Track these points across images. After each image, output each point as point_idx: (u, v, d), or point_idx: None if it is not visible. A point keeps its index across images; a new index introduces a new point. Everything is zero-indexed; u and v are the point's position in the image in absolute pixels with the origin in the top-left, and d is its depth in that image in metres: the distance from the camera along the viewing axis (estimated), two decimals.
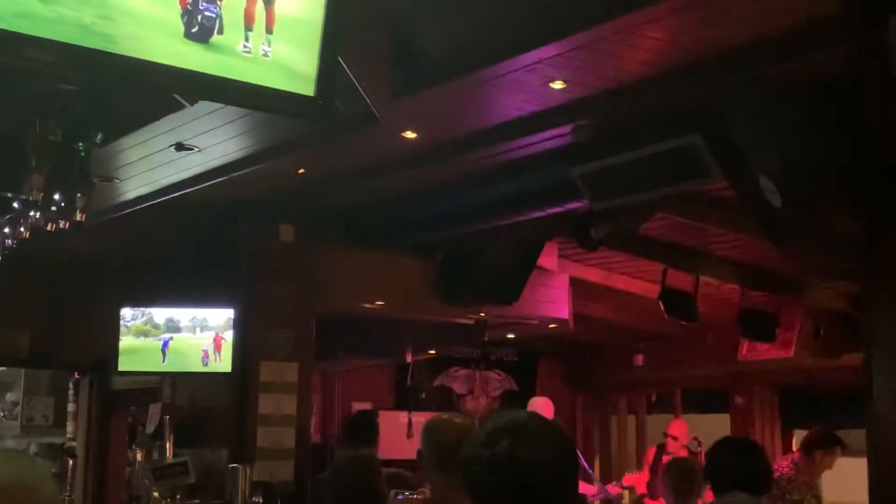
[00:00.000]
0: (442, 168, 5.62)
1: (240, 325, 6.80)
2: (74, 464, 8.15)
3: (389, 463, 6.93)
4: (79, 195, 4.49)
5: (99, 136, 4.39)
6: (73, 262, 7.69)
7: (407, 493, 4.46)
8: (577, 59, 4.09)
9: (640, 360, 10.73)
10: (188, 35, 3.23)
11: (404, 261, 7.47)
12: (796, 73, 4.04)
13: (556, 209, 5.67)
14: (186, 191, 5.93)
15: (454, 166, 5.59)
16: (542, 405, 8.49)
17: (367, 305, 7.59)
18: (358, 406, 10.75)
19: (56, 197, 4.46)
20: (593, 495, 8.83)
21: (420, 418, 9.25)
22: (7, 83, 3.96)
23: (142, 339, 6.94)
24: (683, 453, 8.54)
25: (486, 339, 9.15)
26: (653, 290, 7.77)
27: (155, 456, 7.02)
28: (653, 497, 8.83)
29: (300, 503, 6.61)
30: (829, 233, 4.45)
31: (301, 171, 5.79)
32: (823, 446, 7.19)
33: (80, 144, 4.34)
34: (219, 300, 6.85)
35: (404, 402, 10.76)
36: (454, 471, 2.24)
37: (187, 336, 6.91)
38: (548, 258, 7.86)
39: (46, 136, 4.24)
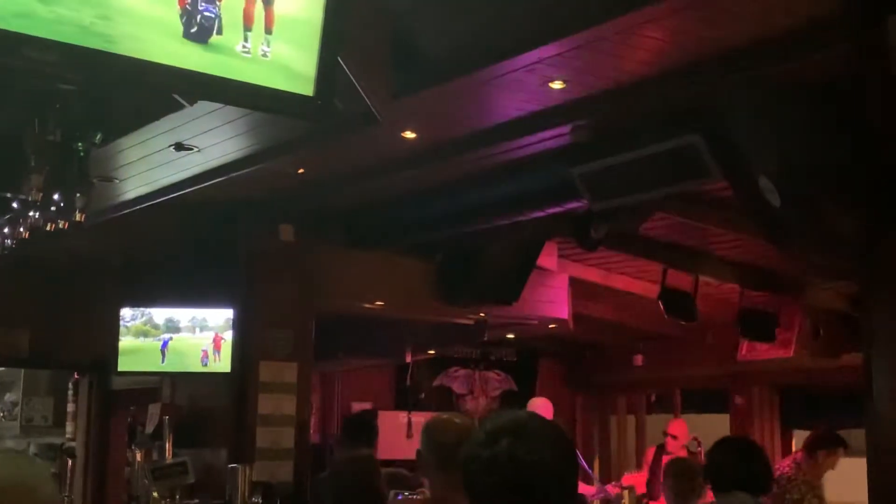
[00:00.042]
0: (442, 168, 5.62)
1: (239, 326, 6.80)
2: (74, 464, 8.15)
3: (389, 463, 6.92)
4: (78, 195, 4.49)
5: (98, 136, 4.39)
6: (73, 262, 7.68)
7: (406, 493, 4.45)
8: (577, 59, 4.08)
9: (639, 360, 10.73)
10: (187, 35, 3.24)
11: (404, 261, 7.46)
12: (796, 73, 4.04)
13: (556, 209, 5.67)
14: (186, 191, 5.93)
15: (454, 166, 5.59)
16: (541, 405, 8.50)
17: (367, 305, 7.59)
18: (357, 406, 10.74)
19: (55, 197, 4.47)
20: (592, 495, 8.83)
21: (419, 418, 9.26)
22: (6, 83, 3.96)
23: (141, 339, 6.94)
24: (683, 453, 8.55)
25: (485, 339, 9.15)
26: (652, 290, 7.77)
27: (154, 456, 7.02)
28: (652, 497, 8.83)
29: (300, 503, 6.60)
30: (829, 233, 4.45)
31: (301, 171, 5.79)
32: (826, 447, 7.19)
33: (80, 144, 4.34)
34: (218, 300, 6.85)
35: (404, 402, 10.76)
36: (454, 471, 2.24)
37: (187, 336, 6.91)
38: (547, 258, 7.86)
39: (46, 136, 4.25)
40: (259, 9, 3.37)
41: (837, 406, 8.32)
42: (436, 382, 11.26)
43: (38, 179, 4.40)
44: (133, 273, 7.62)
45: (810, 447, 7.23)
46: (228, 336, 6.81)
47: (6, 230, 4.96)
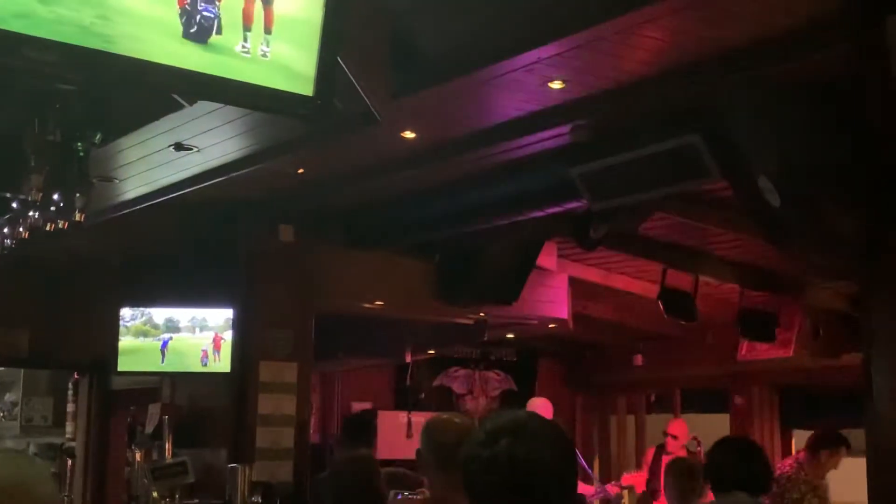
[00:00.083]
0: (441, 168, 5.62)
1: (239, 325, 6.80)
2: (73, 464, 8.15)
3: (389, 463, 6.93)
4: (78, 195, 4.49)
5: (98, 136, 4.39)
6: (73, 262, 7.69)
7: (406, 493, 4.45)
8: (577, 59, 4.08)
9: (639, 359, 10.73)
10: (187, 35, 3.24)
11: (404, 261, 7.46)
12: (796, 73, 4.04)
13: (556, 209, 5.67)
14: (185, 191, 5.92)
15: (453, 166, 5.59)
16: (541, 405, 8.50)
17: (367, 305, 7.59)
18: (357, 406, 10.75)
19: (55, 197, 4.47)
20: (592, 495, 8.83)
21: (419, 418, 9.25)
22: (6, 83, 3.96)
23: (141, 339, 6.94)
24: (683, 453, 8.55)
25: (485, 339, 9.15)
26: (652, 290, 7.77)
27: (154, 456, 7.02)
28: (652, 497, 8.84)
29: (299, 503, 6.60)
30: (829, 233, 4.45)
31: (300, 171, 5.79)
32: (829, 446, 7.18)
33: (79, 144, 4.34)
34: (218, 300, 6.85)
35: (404, 402, 10.75)
36: (454, 471, 2.24)
37: (186, 336, 6.90)
38: (547, 258, 7.86)
39: (45, 136, 4.25)
40: (258, 9, 3.37)
41: (837, 406, 8.32)
42: (436, 382, 11.26)
43: (37, 179, 4.41)
44: (133, 273, 7.61)
45: (813, 447, 7.22)
46: (228, 336, 6.81)
47: (6, 230, 4.96)
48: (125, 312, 6.95)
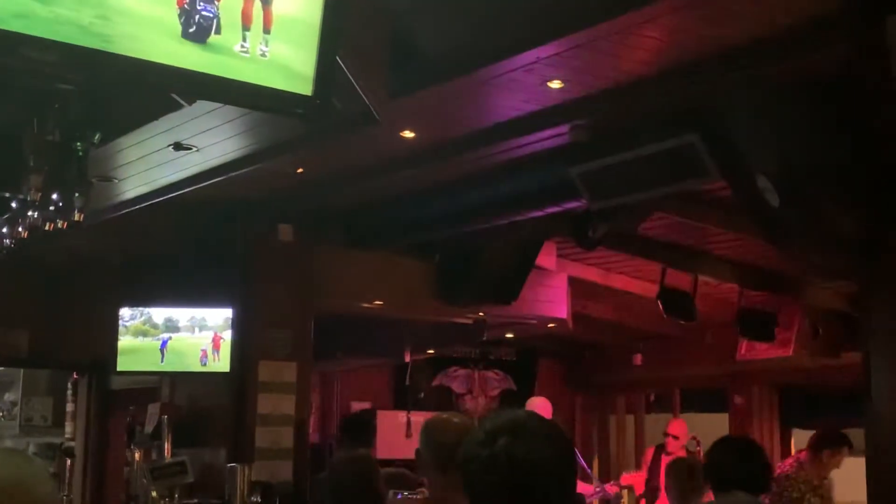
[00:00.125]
0: (440, 168, 5.62)
1: (238, 325, 6.80)
2: (73, 464, 8.14)
3: (388, 463, 6.92)
4: (77, 195, 4.49)
5: (97, 136, 4.39)
6: (72, 261, 7.69)
7: (406, 493, 4.44)
8: (576, 59, 4.08)
9: (638, 359, 10.74)
10: (186, 35, 3.23)
11: (403, 261, 7.46)
12: (796, 73, 4.04)
13: (555, 209, 5.67)
14: (185, 190, 5.92)
15: (453, 166, 5.59)
16: (540, 405, 8.49)
17: (366, 305, 7.59)
18: (357, 406, 10.76)
19: (54, 197, 4.46)
20: (591, 494, 8.83)
21: (419, 418, 9.25)
22: (6, 83, 3.96)
23: (140, 338, 6.94)
24: (682, 453, 8.55)
25: (484, 338, 9.16)
26: (651, 290, 7.77)
27: (153, 456, 7.02)
28: (650, 498, 8.84)
29: (299, 503, 6.60)
30: (829, 233, 4.45)
31: (299, 170, 5.79)
32: (831, 446, 7.17)
33: (79, 144, 4.34)
34: (217, 300, 6.85)
35: (403, 401, 10.75)
36: (453, 470, 2.24)
37: (186, 336, 6.90)
38: (546, 258, 7.86)
39: (44, 136, 4.25)
40: (257, 8, 3.37)
41: (837, 405, 8.32)
42: (435, 382, 11.26)
43: (37, 179, 4.40)
44: (132, 273, 7.61)
45: (815, 446, 7.21)
46: (227, 336, 6.81)
47: (5, 230, 4.95)
48: (124, 312, 6.95)
